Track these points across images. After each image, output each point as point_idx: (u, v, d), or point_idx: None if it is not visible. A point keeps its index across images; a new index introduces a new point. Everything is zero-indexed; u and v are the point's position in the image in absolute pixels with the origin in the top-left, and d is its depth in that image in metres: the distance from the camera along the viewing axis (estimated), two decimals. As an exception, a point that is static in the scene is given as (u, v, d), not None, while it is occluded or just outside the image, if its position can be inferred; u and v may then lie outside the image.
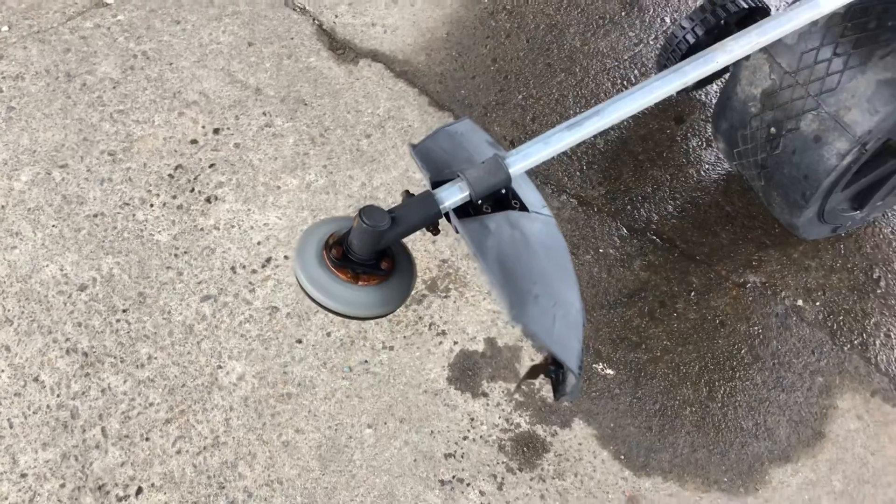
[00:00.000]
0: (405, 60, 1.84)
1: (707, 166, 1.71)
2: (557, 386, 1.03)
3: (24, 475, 1.25)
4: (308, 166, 1.64)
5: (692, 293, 1.55)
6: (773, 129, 1.36)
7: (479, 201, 1.03)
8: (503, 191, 1.06)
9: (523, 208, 1.09)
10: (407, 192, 1.02)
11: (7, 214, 1.51)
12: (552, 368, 1.02)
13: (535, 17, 1.94)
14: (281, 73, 1.78)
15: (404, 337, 1.44)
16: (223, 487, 1.27)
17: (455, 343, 1.44)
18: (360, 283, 0.98)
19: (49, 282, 1.43)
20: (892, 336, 1.53)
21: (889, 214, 1.67)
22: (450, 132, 1.15)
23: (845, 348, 1.50)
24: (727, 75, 1.52)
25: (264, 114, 1.71)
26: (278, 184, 1.61)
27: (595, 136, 1.75)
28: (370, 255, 0.97)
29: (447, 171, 1.05)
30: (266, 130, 1.68)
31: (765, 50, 1.36)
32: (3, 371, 1.34)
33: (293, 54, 1.82)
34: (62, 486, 1.24)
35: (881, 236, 1.65)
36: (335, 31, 1.87)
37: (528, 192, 1.13)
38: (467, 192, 0.99)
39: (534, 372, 1.08)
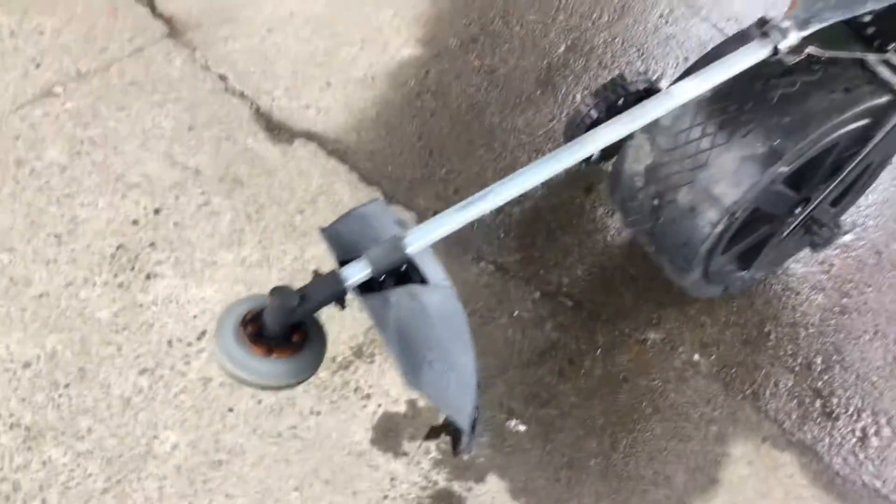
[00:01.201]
0: (337, 139, 1.99)
1: (612, 232, 1.86)
2: (455, 443, 1.14)
3: (-34, 547, 1.33)
4: (243, 242, 1.77)
5: (598, 350, 1.68)
6: (655, 201, 1.51)
7: (382, 277, 1.15)
8: (403, 267, 1.18)
9: (424, 282, 1.22)
10: (316, 271, 1.14)
11: (-45, 297, 1.61)
12: (451, 427, 1.14)
13: (458, 97, 2.10)
14: (219, 154, 1.92)
15: (331, 402, 1.56)
16: (156, 551, 1.36)
17: (379, 405, 1.56)
18: (273, 355, 1.08)
19: (-6, 360, 1.53)
20: (780, 386, 1.67)
21: (779, 273, 1.83)
22: (359, 214, 1.27)
23: (737, 398, 1.64)
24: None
25: (203, 193, 1.84)
26: (215, 259, 1.73)
27: (511, 206, 1.89)
28: (282, 330, 1.08)
29: (353, 252, 1.17)
30: (204, 209, 1.81)
31: (645, 130, 1.52)
32: (-52, 448, 1.43)
33: (231, 136, 1.96)
34: (3, 555, 1.33)
35: (771, 293, 1.80)
36: (272, 114, 2.02)
37: (430, 266, 1.26)
38: (369, 270, 1.11)
39: (434, 431, 1.20)
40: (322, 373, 1.58)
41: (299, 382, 1.14)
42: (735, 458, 1.56)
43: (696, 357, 1.69)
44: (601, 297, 1.76)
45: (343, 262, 1.14)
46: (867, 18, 1.39)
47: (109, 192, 1.82)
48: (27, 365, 1.54)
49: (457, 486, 1.48)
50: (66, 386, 1.52)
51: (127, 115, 1.97)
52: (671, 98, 1.25)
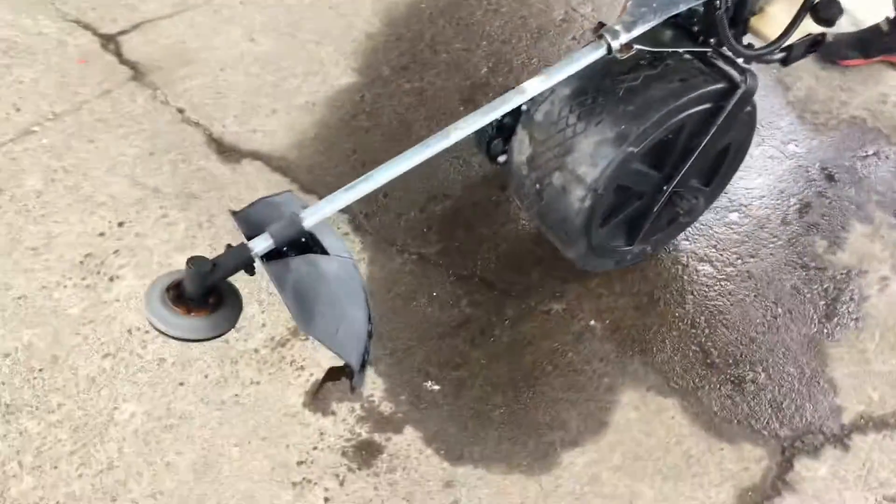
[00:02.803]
0: (281, 157, 2.26)
1: (523, 222, 2.12)
2: (350, 379, 1.38)
3: (-47, 501, 1.57)
4: (195, 246, 2.02)
5: (506, 321, 1.92)
6: (537, 186, 1.77)
7: (284, 248, 1.40)
8: (303, 239, 1.43)
9: (324, 252, 1.46)
10: (228, 245, 1.39)
11: (-55, 302, 1.87)
12: (347, 370, 1.38)
13: (389, 116, 2.38)
14: (176, 174, 2.19)
15: (269, 373, 1.79)
16: (115, 500, 1.59)
17: (311, 375, 1.79)
18: (192, 314, 1.32)
19: (-22, 352, 1.79)
20: (667, 343, 1.90)
21: (669, 249, 2.07)
22: (269, 202, 1.53)
23: (628, 355, 1.87)
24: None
25: (161, 207, 2.10)
26: (170, 261, 1.98)
27: (434, 205, 2.15)
28: (198, 293, 1.33)
29: (259, 230, 1.42)
30: (162, 220, 2.07)
31: (525, 126, 1.78)
32: (-62, 423, 1.67)
33: (187, 159, 2.23)
34: (-16, 508, 1.56)
35: (662, 266, 2.04)
36: (223, 139, 2.30)
37: (331, 241, 1.50)
38: (271, 242, 1.36)
39: (333, 373, 1.43)
40: (262, 350, 1.83)
41: (216, 336, 1.38)
42: (623, 405, 1.79)
43: (593, 322, 1.92)
44: (512, 277, 2.01)
45: (250, 239, 1.39)
46: (695, 18, 1.65)
47: (79, 211, 2.08)
48: (6, 355, 1.79)
49: (377, 437, 1.71)
50: (41, 370, 1.76)
51: (95, 146, 2.25)
52: (522, 93, 1.52)
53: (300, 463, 1.66)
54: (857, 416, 1.79)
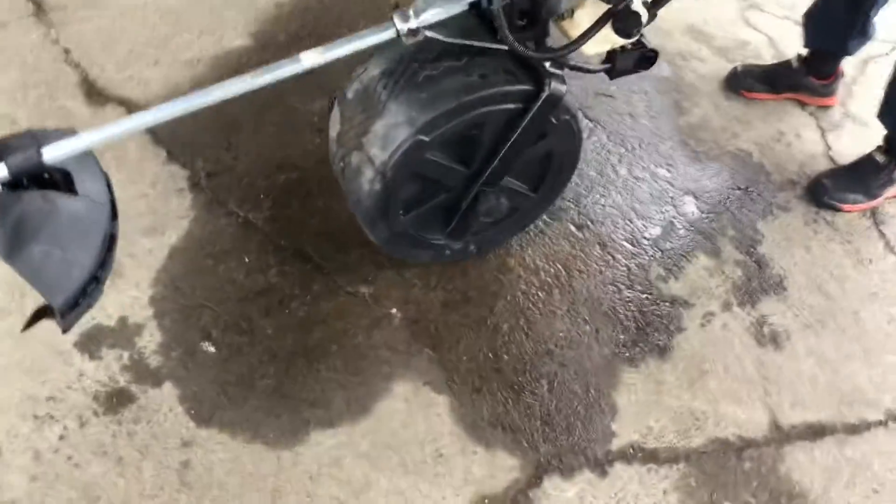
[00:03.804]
0: (146, 106, 2.26)
1: (359, 203, 2.09)
2: (56, 320, 1.36)
3: None
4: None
5: (308, 296, 1.90)
6: (341, 164, 1.75)
7: (24, 181, 1.39)
8: (47, 175, 1.42)
9: (71, 192, 1.45)
10: None
11: None
12: (49, 309, 1.37)
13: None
14: (38, 109, 2.22)
15: (54, 310, 1.80)
16: None
17: (93, 318, 1.80)
18: None
19: None
20: (461, 343, 1.86)
21: (501, 251, 2.02)
22: (37, 133, 1.51)
23: (417, 348, 1.84)
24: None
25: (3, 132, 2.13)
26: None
27: (279, 174, 2.15)
28: None
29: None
30: None
31: (339, 103, 1.76)
32: None
33: (53, 96, 2.26)
34: None
35: (485, 267, 2.00)
36: (96, 82, 2.32)
37: (89, 183, 1.48)
38: (5, 172, 1.35)
39: (39, 314, 1.42)
40: (54, 287, 1.83)
41: None
42: (394, 395, 1.76)
43: (395, 311, 1.89)
44: (330, 255, 1.98)
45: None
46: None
47: (-70, 128, 2.12)
48: None
49: (134, 388, 1.70)
50: None
51: (-29, 71, 2.29)
52: (299, 63, 1.50)
53: (49, 399, 1.67)
54: (628, 445, 1.73)
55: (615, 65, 1.71)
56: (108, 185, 1.51)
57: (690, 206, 2.20)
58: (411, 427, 1.71)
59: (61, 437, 1.62)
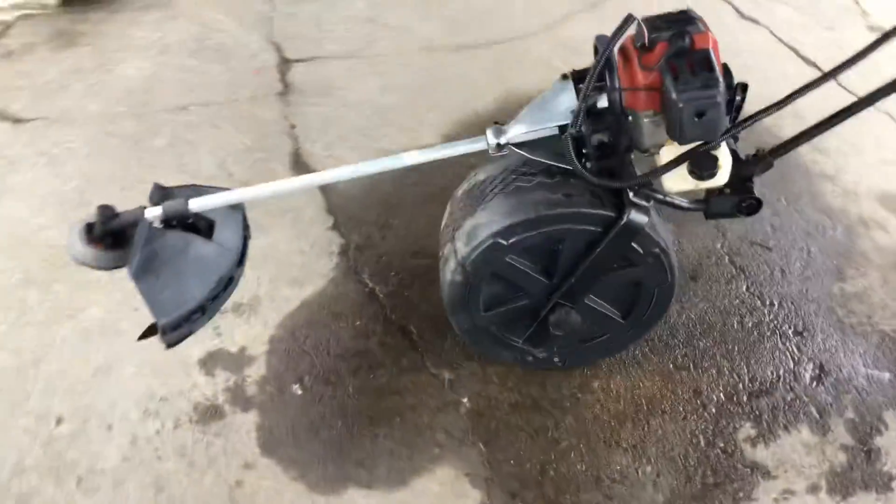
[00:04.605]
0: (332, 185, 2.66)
1: (471, 297, 2.24)
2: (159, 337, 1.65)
3: None
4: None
5: (395, 368, 2.08)
6: (441, 252, 1.93)
7: (174, 223, 1.75)
8: (191, 221, 1.76)
9: (209, 235, 1.77)
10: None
11: None
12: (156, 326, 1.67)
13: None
14: (252, 169, 2.69)
15: (196, 328, 2.17)
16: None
17: (222, 342, 2.14)
18: (97, 247, 1.70)
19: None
20: (515, 446, 1.90)
21: (587, 370, 2.05)
22: (196, 188, 1.87)
23: (472, 440, 1.92)
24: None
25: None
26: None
27: (414, 260, 2.38)
28: (101, 232, 1.70)
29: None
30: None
31: (450, 200, 1.97)
32: None
33: (268, 160, 2.73)
34: None
35: (567, 380, 2.03)
36: (303, 155, 2.76)
37: (229, 235, 1.80)
38: (160, 213, 1.71)
39: (151, 329, 1.74)
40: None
41: (113, 268, 1.75)
42: (434, 476, 1.84)
43: (465, 400, 2.00)
44: (428, 337, 2.15)
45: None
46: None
47: (176, 171, 2.68)
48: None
49: (227, 408, 1.98)
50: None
51: (218, 131, 2.85)
52: (401, 159, 1.74)
53: (162, 399, 2.01)
54: None
55: (710, 205, 1.71)
56: (245, 239, 1.81)
57: (811, 375, 2.03)
58: (442, 513, 1.78)
59: (157, 432, 1.94)
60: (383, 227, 2.50)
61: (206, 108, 2.98)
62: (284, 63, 3.24)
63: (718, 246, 2.41)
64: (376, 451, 1.90)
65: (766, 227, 2.48)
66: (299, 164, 2.72)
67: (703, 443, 1.91)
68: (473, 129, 2.85)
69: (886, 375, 2.05)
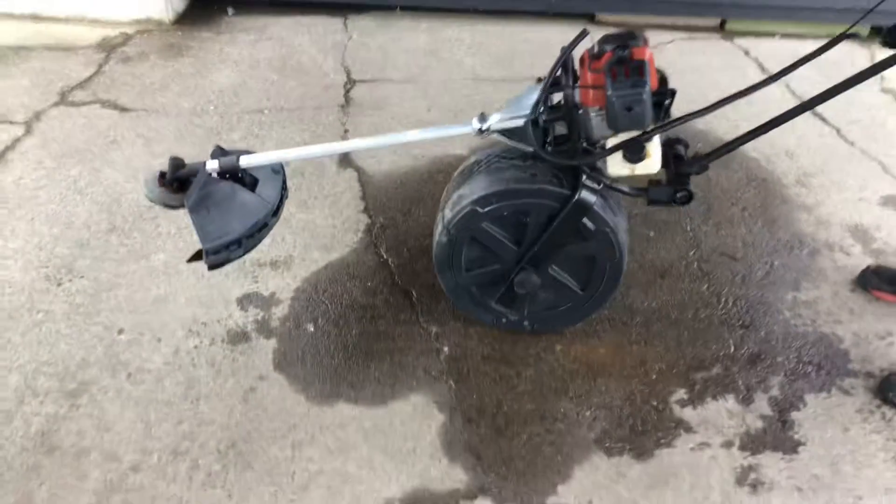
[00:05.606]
0: (369, 177, 3.14)
1: (467, 272, 2.66)
2: (205, 259, 2.14)
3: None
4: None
5: (393, 320, 2.50)
6: (437, 217, 2.36)
7: (227, 175, 2.25)
8: (240, 175, 2.27)
9: (252, 189, 2.27)
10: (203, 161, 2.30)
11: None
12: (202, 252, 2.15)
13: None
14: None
15: (233, 270, 2.66)
16: None
17: (258, 287, 2.61)
18: (167, 189, 2.23)
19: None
20: (479, 386, 2.28)
21: (554, 335, 2.42)
22: (248, 154, 2.39)
23: (445, 377, 2.31)
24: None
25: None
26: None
27: (426, 240, 2.82)
28: (171, 180, 2.22)
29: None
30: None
31: (451, 180, 2.40)
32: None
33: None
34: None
35: (536, 342, 2.41)
36: (350, 154, 3.26)
37: (268, 191, 2.29)
38: (216, 166, 2.22)
39: (198, 254, 2.21)
40: (246, 263, 2.70)
41: (177, 207, 2.26)
42: (409, 401, 2.23)
43: (446, 349, 2.40)
44: (425, 300, 2.56)
45: (211, 161, 2.24)
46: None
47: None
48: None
49: (253, 335, 2.44)
50: (144, 217, 2.89)
51: (284, 130, 3.39)
52: (403, 136, 2.20)
53: (203, 323, 2.48)
54: (561, 505, 1.97)
55: (650, 193, 2.08)
56: (282, 198, 2.29)
57: (747, 359, 2.34)
58: (407, 425, 2.17)
59: (195, 347, 2.41)
60: (406, 213, 2.94)
61: (278, 112, 3.54)
62: (350, 82, 3.79)
63: (691, 253, 2.75)
64: (366, 378, 2.31)
65: (738, 243, 2.81)
66: (345, 161, 3.22)
67: (639, 400, 2.24)
68: (496, 145, 3.28)
69: (813, 368, 2.33)
